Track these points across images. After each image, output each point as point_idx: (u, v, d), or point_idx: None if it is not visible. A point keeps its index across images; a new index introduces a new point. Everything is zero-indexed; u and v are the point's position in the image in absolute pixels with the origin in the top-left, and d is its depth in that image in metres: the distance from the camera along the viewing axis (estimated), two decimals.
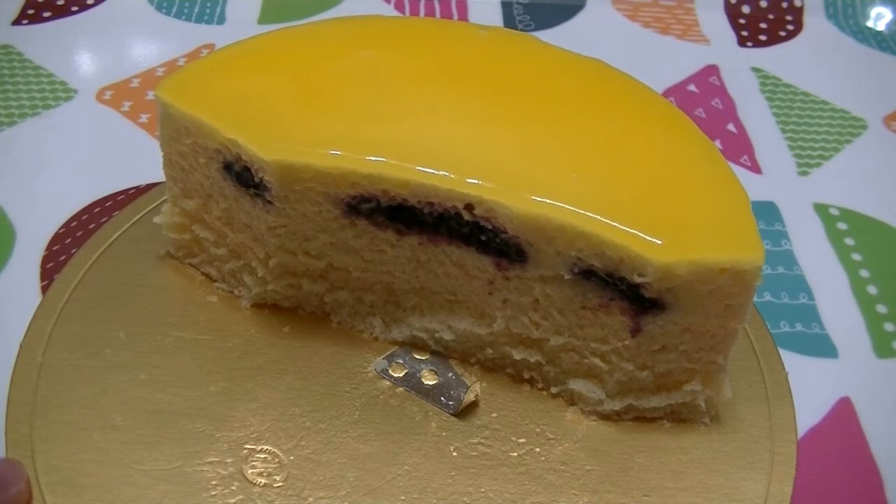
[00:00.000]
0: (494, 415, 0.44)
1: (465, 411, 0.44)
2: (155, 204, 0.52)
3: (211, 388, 0.44)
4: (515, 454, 0.43)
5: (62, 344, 0.45)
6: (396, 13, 0.82)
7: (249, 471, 0.41)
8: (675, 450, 0.43)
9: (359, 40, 0.50)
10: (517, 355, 0.45)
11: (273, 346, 0.46)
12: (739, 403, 0.45)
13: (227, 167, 0.45)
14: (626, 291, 0.41)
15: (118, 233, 0.51)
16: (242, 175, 0.45)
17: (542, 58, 0.50)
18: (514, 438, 0.43)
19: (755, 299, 0.52)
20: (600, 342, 0.43)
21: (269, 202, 0.44)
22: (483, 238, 0.43)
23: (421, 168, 0.42)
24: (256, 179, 0.44)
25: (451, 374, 0.46)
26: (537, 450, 0.43)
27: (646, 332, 0.42)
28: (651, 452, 0.43)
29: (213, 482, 0.41)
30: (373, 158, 0.43)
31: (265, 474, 0.41)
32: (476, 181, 0.42)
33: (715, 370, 0.43)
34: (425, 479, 0.42)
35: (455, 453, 0.43)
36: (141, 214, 0.52)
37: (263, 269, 0.47)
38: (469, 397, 0.44)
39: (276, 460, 0.42)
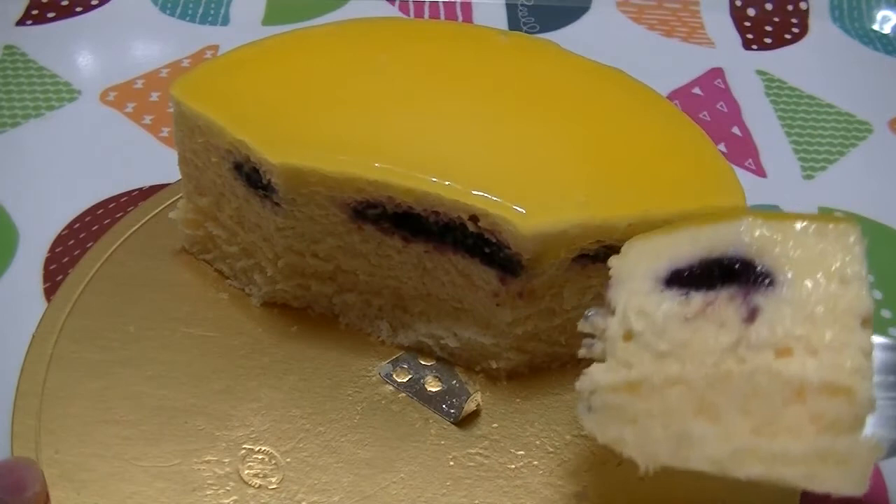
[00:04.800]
0: (495, 425, 0.38)
1: (465, 420, 0.38)
2: (172, 200, 0.46)
3: (214, 386, 0.39)
4: (513, 466, 0.37)
5: (73, 336, 0.40)
6: (400, 14, 0.74)
7: (246, 471, 0.36)
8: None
9: (374, 44, 0.44)
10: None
11: (279, 346, 0.40)
12: None
13: (238, 167, 0.39)
14: None
15: (135, 227, 0.45)
16: (252, 176, 0.39)
17: (559, 67, 0.44)
18: (512, 450, 0.37)
19: None
20: None
21: (277, 204, 0.38)
22: (487, 251, 0.36)
23: (427, 177, 0.36)
24: (265, 181, 0.38)
25: (455, 381, 0.40)
26: (535, 463, 0.37)
27: None
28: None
29: (210, 481, 0.35)
30: (380, 165, 0.36)
31: (261, 475, 0.36)
32: (482, 193, 0.35)
33: None
34: (420, 489, 0.36)
35: (452, 463, 0.37)
36: (158, 210, 0.46)
37: (273, 269, 0.41)
38: (470, 406, 0.38)
39: (273, 462, 0.36)
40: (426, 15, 0.73)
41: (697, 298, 0.31)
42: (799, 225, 0.32)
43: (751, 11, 0.77)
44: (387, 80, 0.41)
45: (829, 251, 0.32)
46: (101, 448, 0.36)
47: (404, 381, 0.39)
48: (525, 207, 0.35)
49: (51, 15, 0.69)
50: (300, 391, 0.39)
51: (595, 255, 0.37)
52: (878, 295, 0.52)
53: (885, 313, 0.51)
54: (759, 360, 0.29)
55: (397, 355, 0.41)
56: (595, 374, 0.32)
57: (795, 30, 0.76)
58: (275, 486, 0.35)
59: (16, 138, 0.57)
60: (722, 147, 0.63)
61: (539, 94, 0.41)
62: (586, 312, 0.34)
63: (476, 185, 0.35)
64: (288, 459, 0.36)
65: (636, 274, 0.33)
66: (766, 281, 0.31)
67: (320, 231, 0.39)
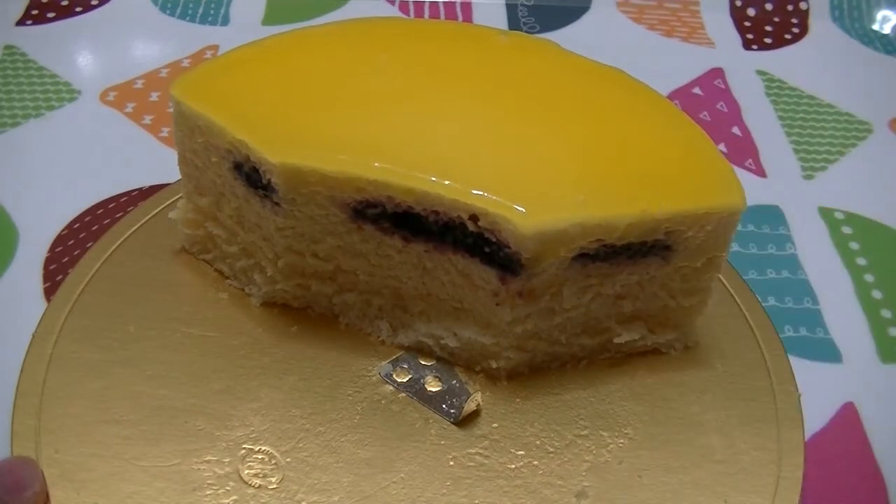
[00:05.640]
0: (495, 425, 0.38)
1: (466, 420, 0.38)
2: (172, 199, 0.46)
3: (214, 386, 0.38)
4: (513, 466, 0.36)
5: (73, 336, 0.40)
6: (400, 14, 0.74)
7: (246, 471, 0.36)
8: (676, 469, 0.36)
9: (374, 43, 0.44)
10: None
11: (279, 346, 0.40)
12: (747, 424, 0.38)
13: (238, 167, 0.39)
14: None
15: (135, 227, 0.45)
16: (252, 176, 0.39)
17: (560, 66, 0.44)
18: (512, 450, 0.37)
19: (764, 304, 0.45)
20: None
21: (276, 203, 0.38)
22: (487, 250, 0.36)
23: (427, 176, 0.36)
24: (265, 181, 0.38)
25: (455, 381, 0.40)
26: (535, 463, 0.36)
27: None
28: (652, 471, 0.36)
29: (209, 481, 0.35)
30: (380, 164, 0.36)
31: (261, 475, 0.36)
32: (481, 192, 0.35)
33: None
34: (419, 489, 0.36)
35: (452, 462, 0.36)
36: (158, 210, 0.46)
37: (273, 269, 0.41)
38: (470, 406, 0.38)
39: (273, 461, 0.36)
40: (426, 15, 0.72)
41: None
42: None
43: (751, 11, 0.77)
44: (387, 80, 0.41)
45: None
46: (100, 448, 0.36)
47: (404, 381, 0.39)
48: (525, 207, 0.35)
49: (51, 15, 0.69)
50: (300, 391, 0.38)
51: (595, 255, 0.36)
52: (877, 295, 0.52)
53: (886, 313, 0.51)
54: None
55: (397, 355, 0.41)
56: None
57: (795, 30, 0.76)
58: (275, 486, 0.35)
59: (16, 138, 0.57)
60: (722, 147, 0.62)
61: (539, 93, 0.41)
62: None
63: (476, 184, 0.35)
64: (288, 459, 0.36)
65: None
66: None
67: (320, 231, 0.39)
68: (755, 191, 0.58)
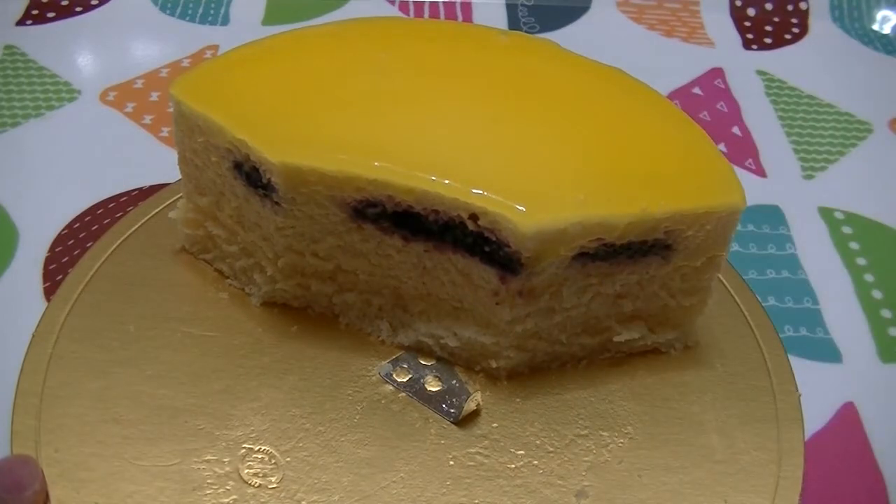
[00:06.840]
0: (495, 424, 0.38)
1: (466, 419, 0.38)
2: (172, 199, 0.46)
3: (214, 386, 0.39)
4: (513, 466, 0.36)
5: (73, 336, 0.40)
6: (400, 14, 0.75)
7: (245, 471, 0.36)
8: (676, 469, 0.36)
9: (374, 43, 0.44)
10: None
11: (279, 346, 0.40)
12: (747, 424, 0.38)
13: (238, 167, 0.39)
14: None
15: (135, 226, 0.45)
16: (252, 175, 0.39)
17: (560, 66, 0.44)
18: (512, 450, 0.37)
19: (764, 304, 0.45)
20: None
21: (276, 203, 0.38)
22: (487, 249, 0.36)
23: (427, 176, 0.36)
24: (265, 180, 0.38)
25: (455, 381, 0.40)
26: (535, 462, 0.36)
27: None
28: (652, 471, 0.36)
29: (209, 481, 0.35)
30: (379, 164, 0.36)
31: (261, 475, 0.36)
32: (481, 192, 0.35)
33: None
34: (419, 488, 0.36)
35: (452, 462, 0.36)
36: (158, 209, 0.46)
37: (273, 268, 0.41)
38: (470, 406, 0.38)
39: (273, 461, 0.36)
40: (426, 15, 0.73)
41: None
42: None
43: (751, 11, 0.77)
44: (386, 79, 0.41)
45: None
46: (100, 447, 0.36)
47: (404, 380, 0.39)
48: (525, 206, 0.35)
49: (51, 15, 0.69)
50: (300, 391, 0.39)
51: (595, 254, 0.37)
52: (878, 295, 0.52)
53: (886, 313, 0.51)
54: None
55: (397, 355, 0.41)
56: None
57: (795, 30, 0.76)
58: (274, 486, 0.35)
59: (16, 138, 0.57)
60: (722, 147, 0.62)
61: (539, 93, 0.41)
62: None
63: (476, 183, 0.35)
64: (288, 459, 0.36)
65: None
66: None
67: (320, 230, 0.39)
68: (755, 191, 0.58)
